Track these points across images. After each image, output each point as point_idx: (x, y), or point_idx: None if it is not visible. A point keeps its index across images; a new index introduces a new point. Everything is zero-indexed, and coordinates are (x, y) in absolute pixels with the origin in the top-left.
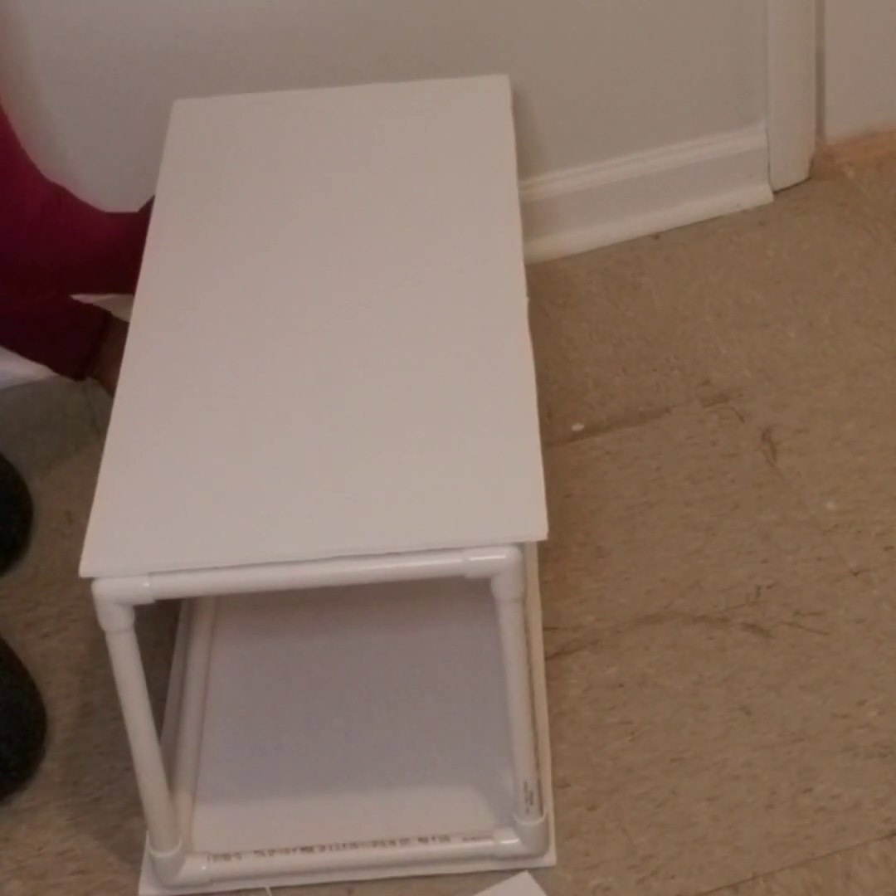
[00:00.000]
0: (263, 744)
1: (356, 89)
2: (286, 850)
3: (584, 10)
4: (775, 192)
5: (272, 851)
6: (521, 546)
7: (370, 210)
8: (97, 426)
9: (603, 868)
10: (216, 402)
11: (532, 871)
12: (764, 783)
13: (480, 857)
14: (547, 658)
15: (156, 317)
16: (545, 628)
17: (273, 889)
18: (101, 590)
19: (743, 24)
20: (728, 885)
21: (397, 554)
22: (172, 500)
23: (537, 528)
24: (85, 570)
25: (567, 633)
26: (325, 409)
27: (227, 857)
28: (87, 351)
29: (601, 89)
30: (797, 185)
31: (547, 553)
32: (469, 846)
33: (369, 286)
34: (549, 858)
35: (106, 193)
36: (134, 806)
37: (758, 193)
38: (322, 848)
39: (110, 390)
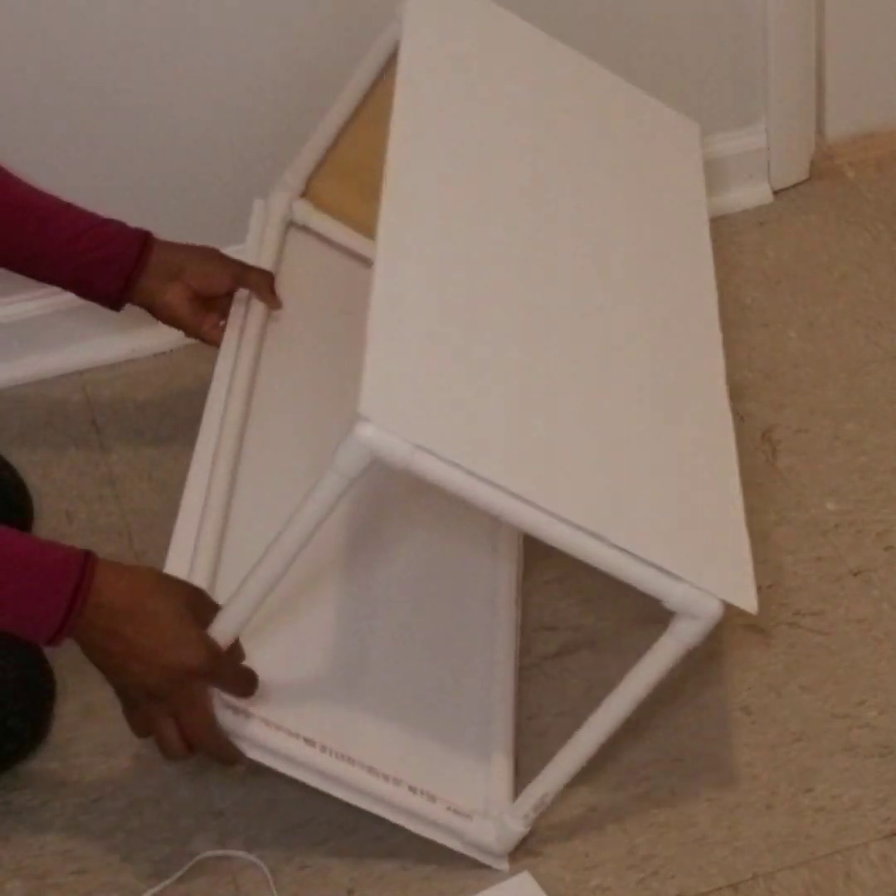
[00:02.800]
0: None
1: (575, 53)
2: (290, 734)
3: (584, 9)
4: (775, 192)
5: (279, 728)
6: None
7: (583, 191)
8: (97, 426)
9: (603, 868)
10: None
11: (530, 870)
12: (764, 783)
13: (448, 831)
14: (547, 658)
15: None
16: (545, 628)
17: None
18: (365, 433)
19: (743, 24)
20: (728, 885)
21: (625, 552)
22: (455, 390)
23: (749, 601)
24: (364, 408)
25: (567, 633)
26: (607, 389)
27: (236, 711)
28: (122, 284)
29: None
30: (797, 185)
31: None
32: (448, 817)
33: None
34: (501, 863)
35: None
36: (134, 806)
37: (758, 193)
38: (323, 749)
39: (163, 318)
